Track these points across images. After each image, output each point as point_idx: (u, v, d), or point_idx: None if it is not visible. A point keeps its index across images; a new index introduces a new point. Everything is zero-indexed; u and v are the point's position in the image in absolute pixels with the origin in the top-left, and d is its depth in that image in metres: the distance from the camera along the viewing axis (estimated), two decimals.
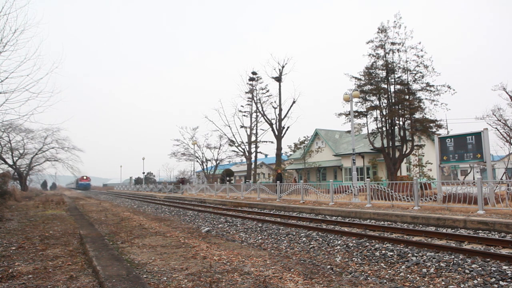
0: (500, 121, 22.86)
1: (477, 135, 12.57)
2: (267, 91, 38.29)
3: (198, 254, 6.76)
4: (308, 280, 5.13)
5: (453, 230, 9.06)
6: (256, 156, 39.75)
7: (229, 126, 43.23)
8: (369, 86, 23.10)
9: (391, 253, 6.88)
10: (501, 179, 24.35)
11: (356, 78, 23.58)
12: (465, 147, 12.96)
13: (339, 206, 14.27)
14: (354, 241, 8.04)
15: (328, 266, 6.48)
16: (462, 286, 5.10)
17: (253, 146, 39.34)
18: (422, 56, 21.94)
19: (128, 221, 12.98)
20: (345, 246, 7.83)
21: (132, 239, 8.76)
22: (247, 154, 40.13)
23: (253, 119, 39.18)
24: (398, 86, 22.69)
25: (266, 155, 62.89)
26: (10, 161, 40.38)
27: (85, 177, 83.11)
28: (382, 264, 6.49)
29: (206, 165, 49.62)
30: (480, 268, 5.60)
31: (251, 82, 39.13)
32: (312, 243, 8.48)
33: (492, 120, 23.04)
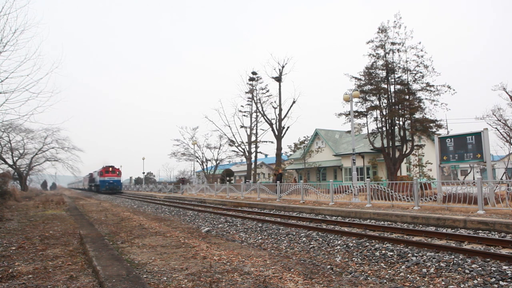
0: (500, 121, 22.90)
1: (477, 135, 12.57)
2: (267, 91, 38.30)
3: (198, 254, 6.76)
4: (308, 280, 5.13)
5: (453, 230, 9.06)
6: (256, 156, 39.75)
7: (229, 126, 43.32)
8: (369, 86, 23.09)
9: (391, 253, 6.88)
10: (501, 179, 24.36)
11: (356, 78, 23.59)
12: (465, 147, 12.95)
13: (339, 206, 14.27)
14: (354, 241, 8.03)
15: (328, 266, 6.47)
16: (462, 286, 5.10)
17: (253, 146, 39.34)
18: (422, 56, 21.96)
19: (128, 221, 12.99)
20: (345, 246, 7.83)
21: (132, 239, 8.76)
22: (247, 154, 40.13)
23: (253, 119, 39.20)
24: (398, 86, 22.69)
25: (266, 155, 62.93)
26: (10, 161, 40.45)
27: (110, 168, 47.72)
28: (382, 264, 6.49)
29: (206, 165, 49.66)
30: (480, 268, 5.59)
31: (251, 82, 39.12)
32: (312, 243, 8.48)
33: (492, 120, 23.09)
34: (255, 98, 38.43)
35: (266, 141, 40.15)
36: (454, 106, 69.42)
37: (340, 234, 9.02)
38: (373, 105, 23.21)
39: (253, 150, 39.56)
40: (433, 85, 21.80)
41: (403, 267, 6.15)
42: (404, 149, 22.85)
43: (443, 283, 5.26)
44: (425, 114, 22.04)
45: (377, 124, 23.56)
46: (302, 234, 9.40)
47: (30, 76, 33.16)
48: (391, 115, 22.33)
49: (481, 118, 23.90)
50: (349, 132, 25.24)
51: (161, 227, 11.03)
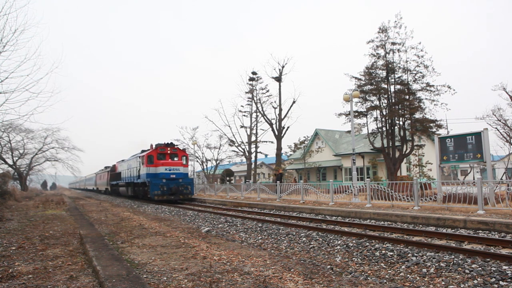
0: (500, 121, 22.91)
1: (477, 135, 12.57)
2: (267, 91, 38.28)
3: (198, 254, 6.76)
4: (308, 280, 5.13)
5: (453, 230, 9.06)
6: (256, 156, 39.74)
7: (229, 126, 43.30)
8: (369, 86, 23.09)
9: (391, 253, 6.88)
10: (501, 179, 24.36)
11: (356, 78, 23.59)
12: (465, 147, 12.95)
13: (339, 206, 14.27)
14: (354, 241, 8.03)
15: (328, 266, 6.47)
16: (462, 286, 5.10)
17: (253, 146, 39.33)
18: (422, 56, 21.95)
19: (128, 221, 12.98)
20: (345, 246, 7.83)
21: (132, 239, 8.76)
22: (247, 154, 40.12)
23: (253, 119, 39.18)
24: (398, 86, 22.69)
25: (266, 155, 62.90)
26: (10, 161, 40.51)
27: (168, 149, 24.50)
28: (382, 264, 6.48)
29: (206, 165, 49.62)
30: (480, 268, 5.59)
31: (251, 82, 39.11)
32: (312, 243, 8.48)
33: (492, 120, 23.11)
34: (255, 98, 38.43)
35: (266, 141, 40.14)
36: (454, 106, 69.36)
37: (340, 234, 9.02)
38: (373, 105, 23.21)
39: (253, 150, 39.57)
40: (433, 85, 21.80)
41: (403, 267, 6.15)
42: (404, 149, 22.85)
43: (443, 283, 5.26)
44: (425, 114, 22.05)
45: (377, 124, 23.57)
46: (302, 234, 9.39)
47: (30, 76, 33.29)
48: (391, 115, 22.33)
49: (481, 118, 23.93)
50: (349, 132, 25.24)
51: (161, 227, 11.03)
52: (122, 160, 33.09)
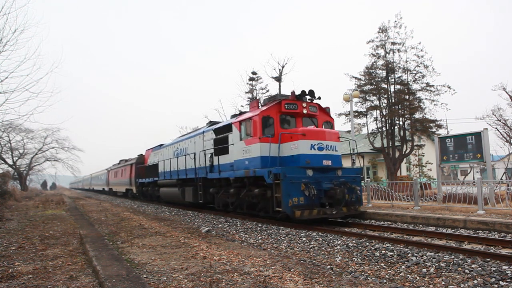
0: (500, 121, 22.98)
1: (477, 135, 12.58)
2: (267, 91, 38.19)
3: (198, 254, 6.76)
4: (308, 280, 5.13)
5: (453, 230, 9.06)
6: None
7: None
8: (369, 86, 23.11)
9: (391, 253, 6.88)
10: (501, 179, 24.37)
11: (356, 78, 23.61)
12: (465, 147, 12.96)
13: None
14: (354, 241, 8.03)
15: (328, 266, 6.47)
16: (462, 286, 5.10)
17: None
18: (422, 56, 21.98)
19: (128, 221, 12.99)
20: (345, 246, 7.82)
21: (132, 239, 8.76)
22: None
23: None
24: (398, 86, 22.70)
25: None
26: (10, 161, 40.56)
27: (304, 106, 11.41)
28: (382, 264, 6.48)
29: None
30: (480, 268, 5.59)
31: (251, 82, 39.05)
32: (312, 243, 8.48)
33: (492, 120, 23.19)
34: (255, 98, 38.44)
35: None
36: (454, 106, 69.46)
37: (340, 234, 9.01)
38: (373, 105, 23.23)
39: None
40: (433, 85, 21.83)
41: (403, 267, 6.15)
42: (404, 149, 22.86)
43: (443, 283, 5.26)
44: (425, 114, 22.08)
45: (377, 124, 23.59)
46: (302, 234, 9.39)
47: (30, 76, 33.25)
48: (391, 115, 22.34)
49: (481, 118, 24.04)
50: (349, 132, 25.24)
51: (161, 227, 11.04)
52: (160, 145, 21.79)
